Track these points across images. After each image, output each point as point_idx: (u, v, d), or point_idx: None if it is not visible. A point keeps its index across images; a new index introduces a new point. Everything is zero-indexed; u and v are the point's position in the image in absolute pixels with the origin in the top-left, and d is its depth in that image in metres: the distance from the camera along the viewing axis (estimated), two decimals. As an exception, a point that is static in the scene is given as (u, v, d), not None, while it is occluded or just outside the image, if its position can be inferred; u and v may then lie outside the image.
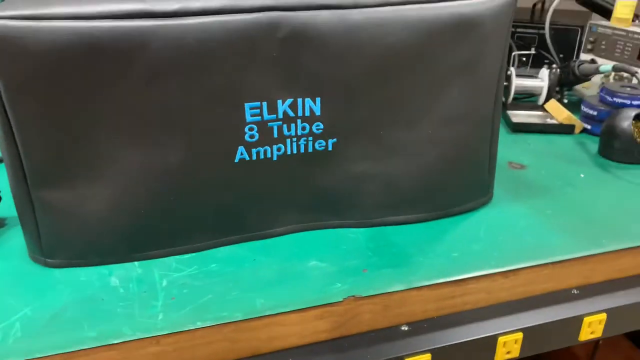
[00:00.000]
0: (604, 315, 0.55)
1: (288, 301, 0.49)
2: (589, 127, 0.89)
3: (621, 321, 0.57)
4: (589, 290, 0.57)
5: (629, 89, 0.86)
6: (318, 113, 0.52)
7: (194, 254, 0.56)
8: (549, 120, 0.92)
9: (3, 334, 0.45)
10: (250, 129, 0.51)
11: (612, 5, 0.96)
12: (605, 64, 0.88)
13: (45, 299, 0.49)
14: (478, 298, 0.55)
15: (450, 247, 0.58)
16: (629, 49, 0.91)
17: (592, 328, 0.55)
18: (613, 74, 0.91)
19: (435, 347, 0.50)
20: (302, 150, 0.54)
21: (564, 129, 0.90)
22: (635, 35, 0.89)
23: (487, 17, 0.54)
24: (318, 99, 0.52)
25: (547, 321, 0.54)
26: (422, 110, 0.56)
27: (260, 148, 0.53)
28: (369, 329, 0.52)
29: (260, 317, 0.48)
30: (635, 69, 0.82)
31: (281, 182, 0.56)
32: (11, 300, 0.49)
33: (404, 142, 0.57)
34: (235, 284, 0.51)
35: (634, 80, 0.89)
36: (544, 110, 0.95)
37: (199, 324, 0.46)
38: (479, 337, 0.52)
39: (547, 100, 0.96)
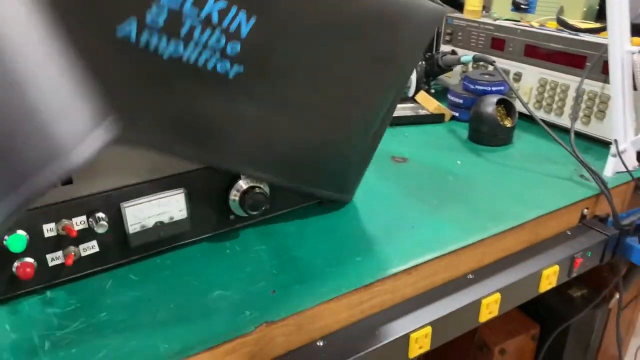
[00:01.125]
0: (498, 296, 0.59)
1: (195, 341, 0.45)
2: (456, 114, 0.95)
3: (514, 296, 0.62)
4: (482, 274, 0.61)
5: (487, 76, 0.93)
6: (244, 34, 0.46)
7: (76, 306, 0.49)
8: (420, 112, 0.96)
9: None
10: (159, 9, 0.41)
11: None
12: (466, 55, 0.94)
13: None
14: (384, 299, 0.55)
15: (353, 250, 0.57)
16: (483, 39, 0.98)
17: (490, 308, 0.59)
18: (471, 63, 0.98)
19: (352, 357, 0.50)
20: (200, 63, 0.46)
21: (435, 119, 0.95)
22: (487, 27, 0.97)
23: (416, 17, 0.55)
24: (253, 19, 0.46)
25: (451, 310, 0.56)
26: (330, 84, 0.54)
27: (156, 35, 0.42)
28: (284, 352, 0.50)
29: (183, 364, 0.43)
30: (493, 58, 0.89)
31: (157, 85, 0.46)
32: None
33: (300, 106, 0.54)
34: (132, 332, 0.46)
35: (490, 68, 0.96)
36: (415, 101, 0.99)
37: (96, 388, 0.41)
38: (392, 338, 0.52)
39: (416, 92, 1.00)
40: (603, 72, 0.80)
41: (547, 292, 0.65)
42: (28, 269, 0.48)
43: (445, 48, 1.07)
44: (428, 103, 0.96)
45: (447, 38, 1.06)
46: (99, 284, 0.53)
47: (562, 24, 0.90)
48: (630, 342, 1.14)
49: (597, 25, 0.88)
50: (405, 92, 1.05)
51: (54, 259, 0.50)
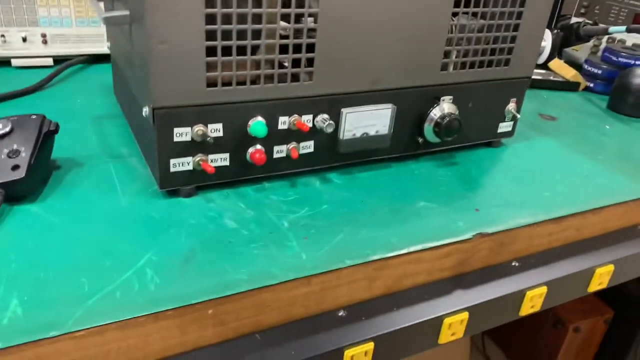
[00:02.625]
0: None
1: (418, 240, 0.48)
2: (591, 85, 0.96)
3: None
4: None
5: (629, 50, 0.93)
6: None
7: (296, 197, 0.53)
8: (552, 78, 0.97)
9: (139, 282, 0.39)
10: None
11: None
12: (613, 27, 0.94)
13: (163, 244, 0.44)
14: (569, 234, 0.57)
15: (537, 187, 0.59)
16: (624, 14, 0.98)
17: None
18: (606, 37, 0.98)
19: (550, 279, 0.52)
20: None
21: (570, 86, 0.95)
22: (632, 1, 0.97)
23: None
24: None
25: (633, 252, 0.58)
26: None
27: None
28: (483, 266, 0.53)
29: (399, 255, 0.46)
30: (650, 29, 0.89)
31: None
32: (124, 246, 0.43)
33: None
34: (358, 223, 0.49)
35: (628, 43, 0.97)
36: (547, 68, 1.00)
37: (348, 262, 0.44)
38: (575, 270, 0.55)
39: (549, 59, 1.01)
40: None
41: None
42: (263, 155, 0.51)
43: (576, 20, 1.07)
44: (564, 71, 0.97)
45: (582, 11, 1.06)
46: (308, 181, 0.56)
47: None
48: None
49: None
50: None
51: (279, 151, 0.53)
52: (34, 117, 0.50)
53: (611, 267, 0.57)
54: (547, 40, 1.01)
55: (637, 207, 0.61)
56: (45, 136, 0.49)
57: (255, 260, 0.43)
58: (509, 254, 0.54)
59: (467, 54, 0.59)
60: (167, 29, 0.43)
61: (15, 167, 0.45)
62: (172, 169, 0.49)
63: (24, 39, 0.75)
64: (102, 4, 0.56)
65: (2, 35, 0.74)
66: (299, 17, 0.49)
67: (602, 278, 0.57)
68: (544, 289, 0.52)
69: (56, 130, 0.51)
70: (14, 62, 0.76)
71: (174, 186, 0.50)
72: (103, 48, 0.81)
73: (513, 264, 0.54)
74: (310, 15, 0.49)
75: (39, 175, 0.49)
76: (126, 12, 0.48)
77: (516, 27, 0.61)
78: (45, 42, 0.77)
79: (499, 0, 0.57)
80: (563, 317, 1.09)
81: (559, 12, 1.22)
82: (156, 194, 0.51)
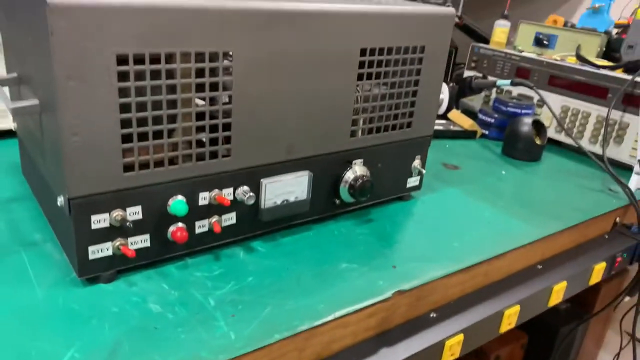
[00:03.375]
0: (564, 284, 0.68)
1: (343, 304, 0.50)
2: (487, 132, 1.06)
3: (570, 287, 0.71)
4: (549, 264, 0.70)
5: (515, 100, 1.04)
6: None
7: (221, 271, 0.53)
8: (452, 127, 1.06)
9: (61, 383, 0.38)
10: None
11: (487, 33, 1.15)
12: (500, 80, 1.05)
13: (86, 338, 0.42)
14: (479, 281, 0.62)
15: (447, 238, 0.64)
16: (508, 67, 1.10)
17: (558, 295, 0.67)
18: (495, 89, 1.09)
19: (465, 326, 0.56)
20: None
21: (469, 135, 1.04)
22: (513, 57, 1.08)
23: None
24: None
25: (538, 290, 0.64)
26: None
27: None
28: (404, 320, 0.56)
29: (326, 322, 0.48)
30: (531, 83, 0.99)
31: None
32: (44, 344, 0.41)
33: None
34: (284, 294, 0.51)
35: (515, 94, 1.08)
36: (447, 118, 1.09)
37: (277, 337, 0.45)
38: (487, 315, 0.59)
39: (448, 110, 1.10)
40: (623, 103, 0.93)
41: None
42: (184, 233, 0.51)
43: (468, 74, 1.18)
44: (462, 120, 1.05)
45: (472, 65, 1.17)
46: (233, 252, 0.57)
47: (582, 59, 1.03)
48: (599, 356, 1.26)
49: (612, 63, 1.01)
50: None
51: (201, 226, 0.54)
52: None
53: (517, 308, 0.62)
54: (445, 93, 1.10)
55: (534, 248, 0.68)
56: (-52, 232, 0.47)
57: (183, 346, 0.43)
58: (426, 306, 0.57)
59: (373, 121, 0.64)
60: (80, 120, 0.43)
61: None
62: (91, 256, 0.48)
63: None
64: (6, 90, 0.54)
65: None
66: (213, 99, 0.51)
67: (510, 318, 0.62)
68: (460, 337, 0.56)
69: (-40, 225, 0.48)
70: None
71: (94, 273, 0.49)
72: (7, 124, 0.77)
73: (431, 315, 0.57)
74: (224, 96, 0.51)
75: (-57, 276, 0.46)
76: (36, 102, 0.47)
77: (414, 93, 0.66)
78: (-59, 120, 0.73)
79: (397, 71, 0.63)
80: (484, 348, 1.15)
81: (454, 63, 1.34)
82: (75, 282, 0.49)
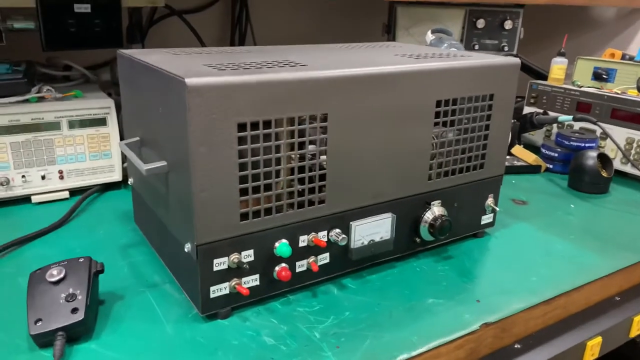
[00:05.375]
0: (646, 314, 0.69)
1: (434, 336, 0.55)
2: (551, 166, 1.08)
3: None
4: (630, 295, 0.71)
5: (577, 134, 1.06)
6: None
7: (320, 306, 0.59)
8: (516, 163, 1.09)
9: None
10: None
11: (545, 70, 1.19)
12: (561, 115, 1.08)
13: (215, 367, 0.49)
14: (559, 312, 0.65)
15: (525, 272, 0.68)
16: (568, 103, 1.13)
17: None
18: (568, 122, 1.12)
19: (549, 357, 0.59)
20: None
21: (533, 169, 1.07)
22: (572, 92, 1.12)
23: None
24: None
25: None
26: None
27: None
28: (490, 352, 0.59)
29: (421, 353, 0.53)
30: (594, 118, 1.02)
31: None
32: (181, 373, 0.48)
33: None
34: (379, 327, 0.56)
35: (576, 127, 1.10)
36: (511, 154, 1.12)
37: (379, 367, 0.50)
38: (567, 347, 0.62)
39: (511, 146, 1.13)
40: (690, 133, 0.94)
41: None
42: (288, 272, 0.58)
43: (528, 110, 1.22)
44: (526, 155, 1.09)
45: (532, 101, 1.21)
46: (327, 289, 0.62)
47: (643, 91, 1.05)
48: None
49: (675, 94, 1.03)
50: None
51: (300, 266, 0.60)
52: (81, 260, 0.56)
53: (599, 339, 0.64)
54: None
55: (610, 281, 0.70)
56: (94, 276, 0.55)
57: (297, 375, 0.48)
58: (510, 338, 0.61)
59: (448, 164, 0.69)
60: (208, 178, 0.51)
61: (75, 310, 0.51)
62: (212, 295, 0.55)
63: (43, 177, 0.82)
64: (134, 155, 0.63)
65: (23, 176, 0.80)
66: (312, 155, 0.58)
67: (593, 349, 0.64)
68: (546, 367, 0.59)
69: (102, 270, 0.56)
70: (34, 198, 0.82)
71: (214, 310, 0.56)
72: (114, 177, 0.88)
73: (515, 346, 0.61)
74: (321, 152, 0.58)
75: (93, 314, 0.54)
76: (164, 163, 0.56)
77: (486, 137, 0.71)
78: (62, 177, 0.83)
79: (469, 118, 0.68)
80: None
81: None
82: (196, 318, 0.56)
